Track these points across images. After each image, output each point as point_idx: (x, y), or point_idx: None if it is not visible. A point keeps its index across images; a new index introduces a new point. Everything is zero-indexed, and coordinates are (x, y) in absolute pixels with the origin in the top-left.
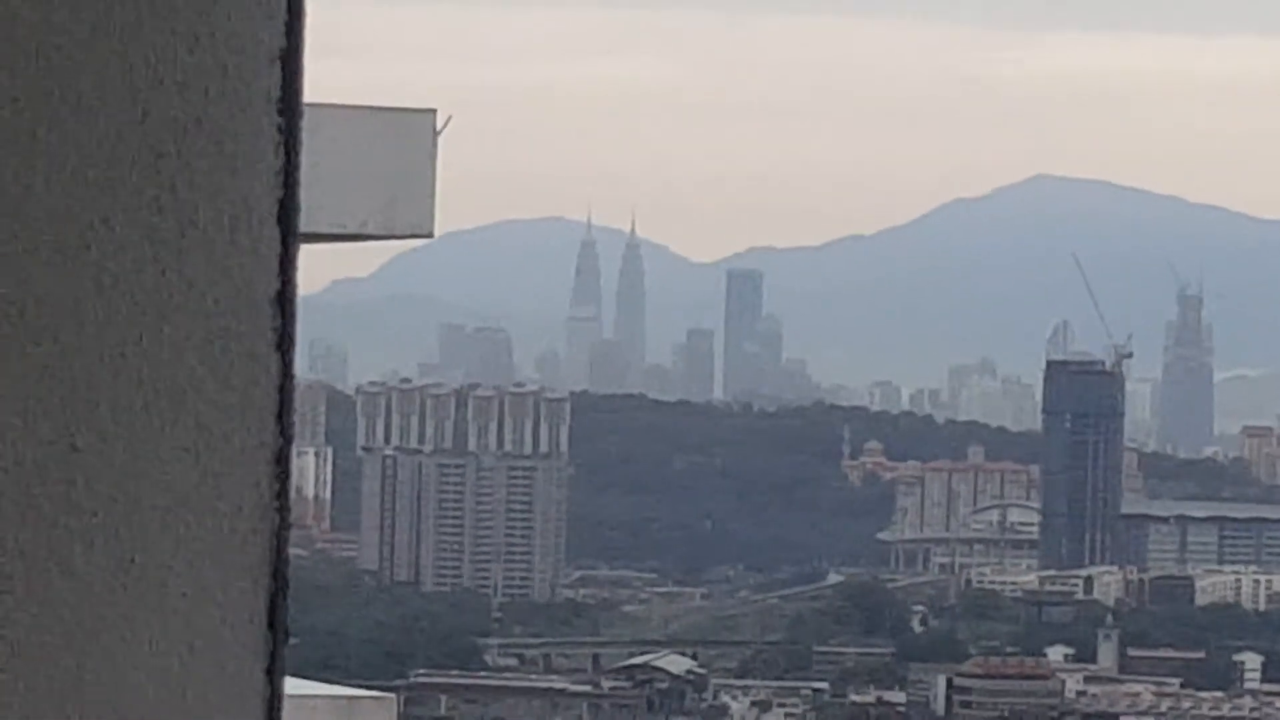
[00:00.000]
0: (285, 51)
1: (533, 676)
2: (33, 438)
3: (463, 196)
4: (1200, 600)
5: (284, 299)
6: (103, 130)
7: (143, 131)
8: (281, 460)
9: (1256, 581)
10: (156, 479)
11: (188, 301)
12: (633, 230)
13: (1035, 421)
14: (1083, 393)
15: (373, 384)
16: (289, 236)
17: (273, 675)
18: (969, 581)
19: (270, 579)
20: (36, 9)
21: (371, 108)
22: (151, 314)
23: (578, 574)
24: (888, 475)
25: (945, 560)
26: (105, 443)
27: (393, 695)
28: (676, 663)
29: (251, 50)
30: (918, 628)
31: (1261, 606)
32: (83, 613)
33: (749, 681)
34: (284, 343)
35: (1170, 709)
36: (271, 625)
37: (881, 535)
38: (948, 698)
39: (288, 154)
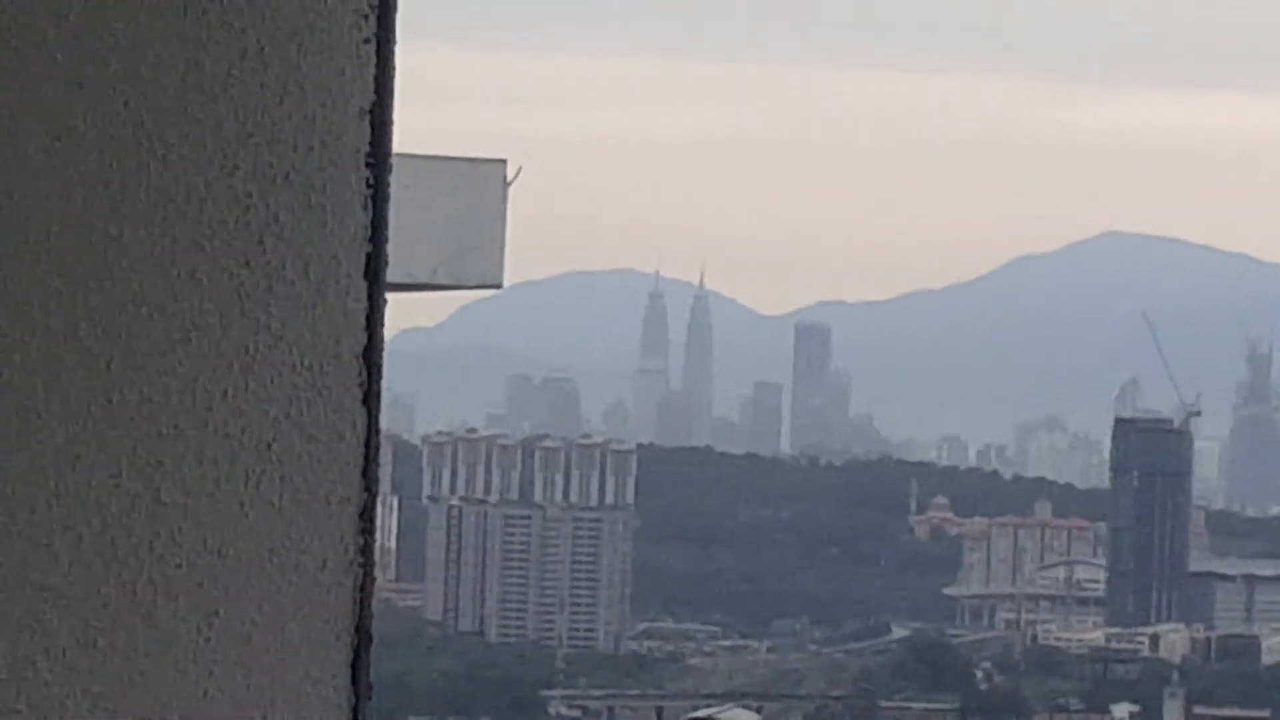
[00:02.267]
0: (374, 106)
1: None
2: (118, 491)
3: (532, 247)
4: (1266, 659)
5: (370, 354)
6: (191, 183)
7: (231, 185)
8: (366, 516)
9: None
10: (241, 533)
11: (274, 356)
12: (701, 283)
13: (1103, 478)
14: (1151, 450)
15: (439, 434)
16: (376, 292)
17: None
18: (1034, 638)
19: (354, 634)
20: (127, 61)
21: (442, 157)
22: (238, 368)
23: (643, 626)
24: (954, 530)
25: (1011, 616)
26: (190, 496)
27: None
28: (741, 716)
29: (341, 104)
30: (983, 684)
31: None
32: (166, 666)
33: None
34: (370, 398)
35: None
36: (354, 681)
37: (947, 590)
38: None
39: (375, 209)
